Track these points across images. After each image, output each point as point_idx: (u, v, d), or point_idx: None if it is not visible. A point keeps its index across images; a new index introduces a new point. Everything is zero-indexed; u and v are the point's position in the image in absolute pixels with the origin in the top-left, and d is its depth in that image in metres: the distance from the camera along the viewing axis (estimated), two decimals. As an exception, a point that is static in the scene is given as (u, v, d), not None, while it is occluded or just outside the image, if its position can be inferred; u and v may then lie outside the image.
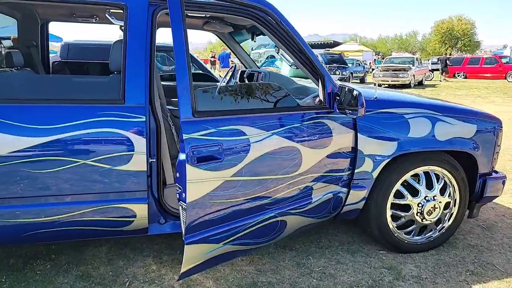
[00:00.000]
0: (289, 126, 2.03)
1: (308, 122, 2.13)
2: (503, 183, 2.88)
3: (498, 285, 2.36)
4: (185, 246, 1.68)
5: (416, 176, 2.63)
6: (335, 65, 19.18)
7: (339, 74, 18.46)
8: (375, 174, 2.46)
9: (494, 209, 3.50)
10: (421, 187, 2.60)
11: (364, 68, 21.27)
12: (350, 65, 20.14)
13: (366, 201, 2.55)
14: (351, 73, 19.20)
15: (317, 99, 2.30)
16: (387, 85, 16.98)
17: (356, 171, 2.42)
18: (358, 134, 2.37)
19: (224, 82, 3.50)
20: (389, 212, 2.59)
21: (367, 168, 2.43)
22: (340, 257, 2.62)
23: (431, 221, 2.65)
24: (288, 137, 2.02)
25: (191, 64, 1.70)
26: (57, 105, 1.87)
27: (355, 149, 2.39)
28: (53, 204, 1.93)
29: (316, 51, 29.18)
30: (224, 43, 3.56)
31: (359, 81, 20.25)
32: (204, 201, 1.71)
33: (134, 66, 1.97)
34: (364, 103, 2.07)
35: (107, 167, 1.89)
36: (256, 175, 1.90)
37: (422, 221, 2.64)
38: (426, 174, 2.63)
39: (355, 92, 2.09)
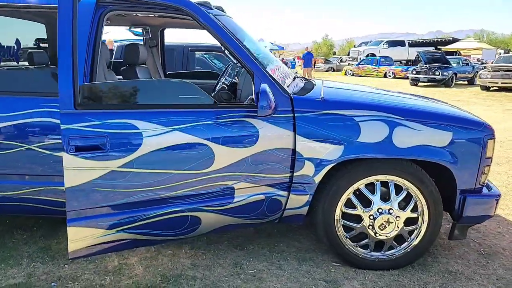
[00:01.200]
0: (197, 123, 2.04)
1: (224, 120, 2.11)
2: (496, 201, 2.43)
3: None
4: (67, 227, 1.84)
5: (373, 185, 2.38)
6: (435, 64, 17.57)
7: (438, 75, 16.89)
8: (317, 179, 2.30)
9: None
10: (374, 198, 2.35)
11: (474, 68, 19.01)
12: (454, 64, 18.22)
13: (313, 208, 2.40)
14: (455, 74, 17.37)
15: (249, 98, 2.26)
16: (496, 88, 14.97)
17: (295, 174, 2.29)
18: (297, 135, 2.25)
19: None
20: (339, 222, 2.40)
21: (308, 172, 2.29)
22: (284, 263, 2.52)
23: (386, 236, 2.37)
24: (195, 134, 2.03)
25: (77, 58, 1.82)
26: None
27: (294, 151, 2.28)
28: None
29: (414, 50, 27.13)
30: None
31: (466, 83, 18.20)
32: (87, 188, 1.85)
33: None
34: (270, 103, 1.97)
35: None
36: (152, 168, 1.97)
37: (376, 236, 2.38)
38: (385, 184, 2.36)
39: (267, 90, 2.00)
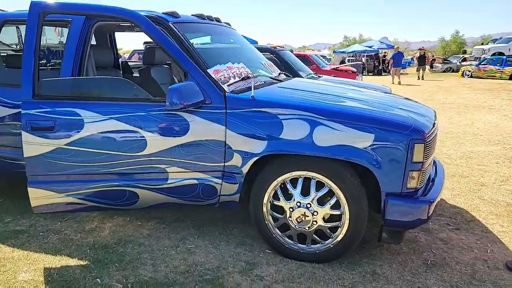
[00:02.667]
0: (131, 114, 2.46)
1: (157, 112, 2.48)
2: (427, 207, 2.35)
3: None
4: (28, 187, 2.44)
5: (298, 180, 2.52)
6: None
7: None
8: (244, 169, 2.53)
9: (475, 251, 2.75)
10: (295, 192, 2.49)
11: None
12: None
13: (245, 196, 2.64)
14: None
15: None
16: None
17: (226, 164, 2.57)
18: (227, 129, 2.52)
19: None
20: (268, 212, 2.60)
21: (237, 163, 2.54)
22: (224, 244, 2.80)
23: (305, 229, 2.49)
24: (129, 122, 2.46)
25: (38, 57, 2.38)
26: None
27: (226, 143, 2.55)
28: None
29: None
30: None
31: None
32: (40, 159, 2.41)
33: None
34: (179, 100, 2.28)
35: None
36: (92, 148, 2.45)
37: (296, 228, 2.52)
38: (308, 180, 2.48)
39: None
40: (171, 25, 2.75)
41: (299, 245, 2.59)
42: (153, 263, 2.53)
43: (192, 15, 3.29)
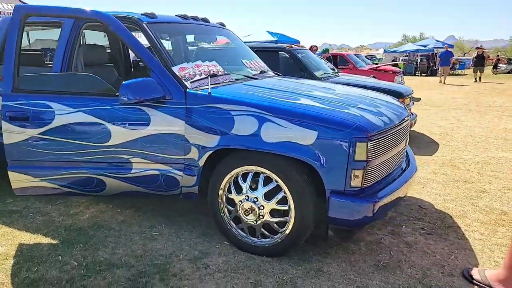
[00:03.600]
0: (96, 107, 2.67)
1: (120, 107, 2.67)
2: (372, 206, 2.33)
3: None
4: (8, 171, 2.73)
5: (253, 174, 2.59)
6: None
7: None
8: (201, 162, 2.66)
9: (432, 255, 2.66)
10: (244, 186, 2.57)
11: None
12: None
13: (202, 188, 2.76)
14: None
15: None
16: None
17: (185, 157, 2.71)
18: (186, 124, 2.66)
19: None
20: (223, 204, 2.70)
21: (194, 156, 2.67)
22: (186, 233, 2.94)
23: (253, 222, 2.57)
24: (94, 115, 2.67)
25: (18, 58, 2.66)
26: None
27: (184, 137, 2.69)
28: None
29: None
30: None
31: None
32: (17, 146, 2.68)
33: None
34: (130, 95, 2.45)
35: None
36: (62, 137, 2.69)
37: (245, 221, 2.59)
38: (257, 174, 2.55)
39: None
40: (144, 25, 2.93)
41: (252, 238, 2.66)
42: (114, 246, 2.72)
43: (176, 15, 3.47)
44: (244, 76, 3.29)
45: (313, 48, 12.62)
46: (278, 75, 3.90)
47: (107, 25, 2.69)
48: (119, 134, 2.70)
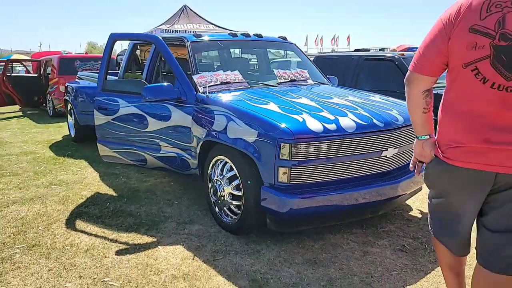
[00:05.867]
0: (141, 103, 3.73)
1: (156, 104, 3.67)
2: (294, 202, 2.60)
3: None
4: (97, 144, 4.10)
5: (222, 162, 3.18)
6: None
7: None
8: (197, 150, 3.41)
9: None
10: (216, 171, 3.17)
11: None
12: None
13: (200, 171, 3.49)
14: None
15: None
16: None
17: (191, 145, 3.51)
18: (191, 119, 3.47)
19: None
20: (209, 185, 3.37)
21: (194, 144, 3.45)
22: (189, 206, 3.71)
23: (218, 202, 3.14)
24: (140, 108, 3.75)
25: (107, 68, 3.97)
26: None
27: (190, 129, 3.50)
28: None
29: None
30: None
31: None
32: (102, 127, 4.00)
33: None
34: (149, 95, 3.37)
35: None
36: (123, 123, 3.86)
37: (214, 200, 3.19)
38: (226, 163, 3.12)
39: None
40: (188, 43, 3.85)
41: (224, 216, 3.23)
42: (142, 205, 3.75)
43: (228, 33, 4.27)
44: (263, 84, 3.82)
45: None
46: (321, 83, 4.20)
47: (156, 45, 3.74)
48: (153, 124, 3.71)
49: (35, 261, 2.69)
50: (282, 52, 11.63)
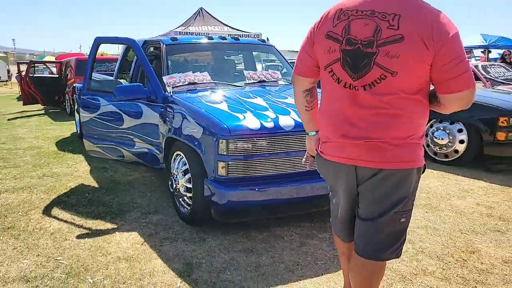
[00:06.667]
0: (117, 102, 4.05)
1: (130, 102, 3.97)
2: (228, 194, 2.81)
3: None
4: (83, 139, 4.45)
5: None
6: None
7: None
8: (163, 145, 3.68)
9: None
10: (175, 165, 3.42)
11: None
12: None
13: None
14: None
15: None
16: None
17: (158, 141, 3.79)
18: (159, 117, 3.74)
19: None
20: (170, 178, 3.63)
21: (161, 140, 3.73)
22: (160, 197, 3.97)
23: (175, 193, 3.39)
24: (117, 107, 4.07)
25: (92, 69, 4.31)
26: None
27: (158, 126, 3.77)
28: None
29: None
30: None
31: None
32: (86, 124, 4.35)
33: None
34: (119, 94, 3.66)
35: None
36: (103, 120, 4.20)
37: (171, 190, 3.45)
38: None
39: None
40: (163, 46, 4.13)
41: (181, 206, 3.48)
42: (119, 195, 4.06)
43: (205, 36, 4.52)
44: (231, 84, 4.04)
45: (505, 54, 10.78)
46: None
47: (131, 47, 4.04)
48: (128, 121, 4.02)
49: (5, 241, 3.04)
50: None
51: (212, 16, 13.55)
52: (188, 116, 3.22)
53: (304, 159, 2.05)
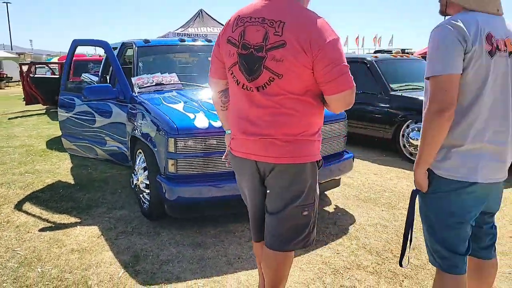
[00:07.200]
0: (89, 103, 4.22)
1: (101, 102, 4.14)
2: (175, 190, 2.95)
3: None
4: (61, 138, 4.63)
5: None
6: None
7: None
8: (128, 144, 3.84)
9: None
10: (137, 162, 3.57)
11: None
12: None
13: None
14: None
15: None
16: None
17: (126, 139, 3.94)
18: (126, 116, 3.90)
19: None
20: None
21: (127, 139, 3.88)
22: (128, 194, 4.12)
23: (136, 189, 3.53)
24: (90, 106, 4.24)
25: (69, 70, 4.49)
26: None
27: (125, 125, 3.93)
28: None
29: None
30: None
31: None
32: (63, 122, 4.53)
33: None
34: (86, 95, 3.82)
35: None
36: (79, 120, 4.37)
37: (132, 185, 3.59)
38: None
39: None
40: (135, 47, 4.29)
41: (142, 202, 3.62)
42: (91, 191, 4.23)
43: (178, 38, 4.66)
44: (197, 85, 4.17)
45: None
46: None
47: (104, 49, 4.21)
48: (100, 120, 4.19)
49: (-28, 233, 3.23)
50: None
51: (212, 18, 13.75)
52: (146, 116, 3.36)
53: (224, 157, 2.17)
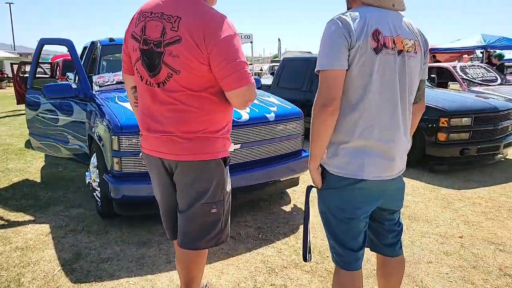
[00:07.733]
0: (53, 101, 4.23)
1: (63, 100, 4.14)
2: (118, 188, 2.94)
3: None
4: (29, 136, 4.65)
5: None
6: None
7: None
8: (87, 142, 3.84)
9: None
10: (91, 159, 3.57)
11: None
12: None
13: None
14: None
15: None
16: None
17: (85, 137, 3.94)
18: (85, 114, 3.90)
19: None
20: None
21: (86, 137, 3.88)
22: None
23: (90, 189, 3.53)
24: (53, 105, 4.25)
25: (36, 69, 4.50)
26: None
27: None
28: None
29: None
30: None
31: None
32: (30, 121, 4.54)
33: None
34: (48, 94, 3.83)
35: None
36: (43, 118, 4.39)
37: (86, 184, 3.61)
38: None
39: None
40: (98, 45, 4.29)
41: (96, 201, 3.62)
42: (61, 189, 4.24)
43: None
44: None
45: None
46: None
47: (67, 47, 4.21)
48: (62, 119, 4.19)
49: None
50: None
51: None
52: (98, 114, 3.36)
53: (140, 154, 2.15)
